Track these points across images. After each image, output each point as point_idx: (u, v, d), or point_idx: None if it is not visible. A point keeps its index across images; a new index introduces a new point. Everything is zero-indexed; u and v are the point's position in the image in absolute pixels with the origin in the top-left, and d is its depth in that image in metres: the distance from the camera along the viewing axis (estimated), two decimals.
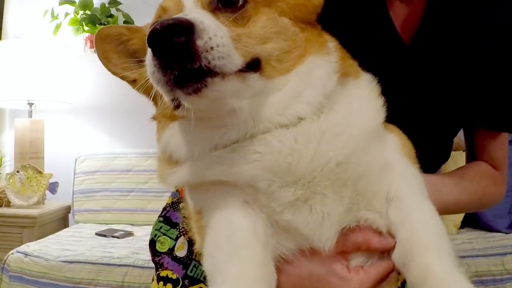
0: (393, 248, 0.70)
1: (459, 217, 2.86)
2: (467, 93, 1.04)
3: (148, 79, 0.61)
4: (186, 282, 1.10)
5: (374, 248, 0.73)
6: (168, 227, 1.17)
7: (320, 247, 0.71)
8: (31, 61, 3.21)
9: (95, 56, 0.81)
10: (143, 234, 2.96)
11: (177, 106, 0.63)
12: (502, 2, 1.04)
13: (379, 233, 0.72)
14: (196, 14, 0.61)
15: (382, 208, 0.72)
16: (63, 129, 3.76)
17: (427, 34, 1.02)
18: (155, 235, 1.17)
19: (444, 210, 0.72)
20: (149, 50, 0.58)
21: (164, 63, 0.57)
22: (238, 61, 0.60)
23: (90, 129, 3.76)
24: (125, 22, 3.64)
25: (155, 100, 0.71)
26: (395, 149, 0.76)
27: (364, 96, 0.75)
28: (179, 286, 1.10)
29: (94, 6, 3.65)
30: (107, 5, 3.65)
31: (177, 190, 1.21)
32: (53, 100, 3.34)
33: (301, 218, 0.69)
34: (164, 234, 1.16)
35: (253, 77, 0.64)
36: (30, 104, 3.37)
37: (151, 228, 1.21)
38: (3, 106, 3.73)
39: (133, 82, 0.80)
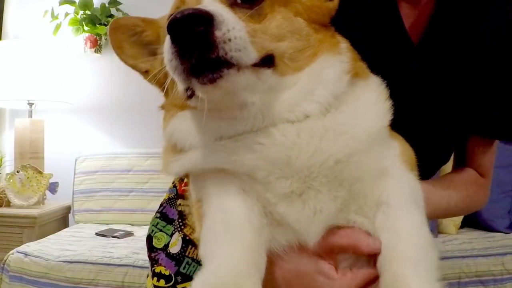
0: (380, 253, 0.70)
1: (459, 217, 2.86)
2: (469, 96, 1.04)
3: (161, 70, 0.61)
4: (179, 278, 1.10)
5: (361, 250, 0.72)
6: (165, 223, 1.17)
7: (306, 241, 0.71)
8: (31, 61, 3.21)
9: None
10: (143, 234, 2.92)
11: (190, 96, 0.64)
12: (509, 5, 1.04)
13: (368, 234, 0.72)
14: (215, 7, 0.62)
15: (371, 213, 0.72)
16: (63, 129, 3.75)
17: (435, 35, 1.02)
18: (152, 231, 1.18)
19: (432, 216, 0.73)
20: (167, 38, 0.59)
21: (182, 51, 0.58)
22: (253, 55, 0.61)
23: (90, 129, 3.76)
24: None
25: (166, 91, 0.72)
26: (395, 155, 0.77)
27: (372, 99, 0.75)
28: (172, 283, 1.10)
29: (94, 6, 3.65)
30: (107, 5, 3.65)
31: (174, 186, 1.21)
32: (53, 100, 3.34)
33: (293, 212, 0.69)
34: (160, 230, 1.17)
35: (267, 72, 0.65)
36: (30, 104, 3.37)
37: None
38: (3, 106, 3.72)
39: (145, 73, 0.80)
